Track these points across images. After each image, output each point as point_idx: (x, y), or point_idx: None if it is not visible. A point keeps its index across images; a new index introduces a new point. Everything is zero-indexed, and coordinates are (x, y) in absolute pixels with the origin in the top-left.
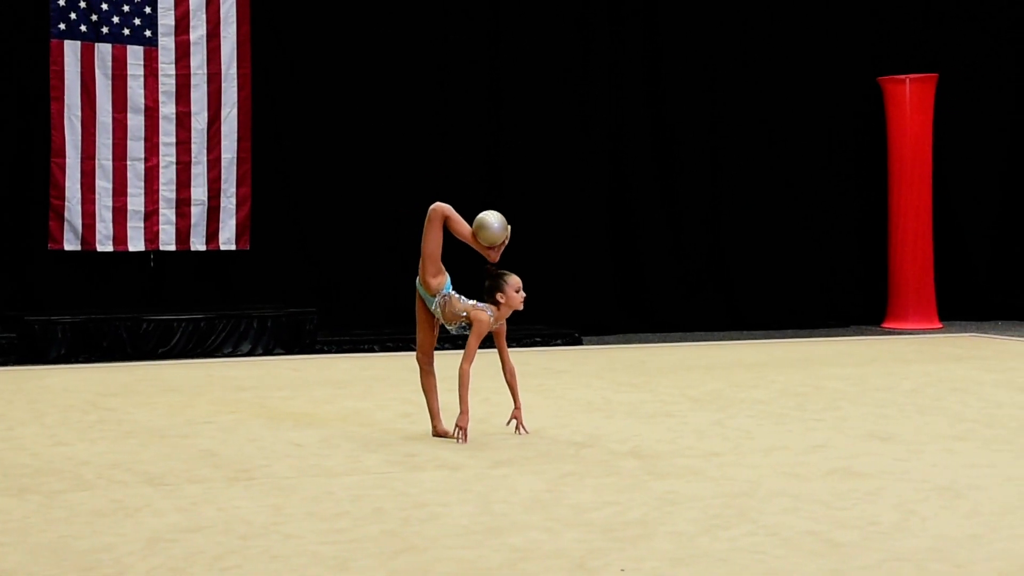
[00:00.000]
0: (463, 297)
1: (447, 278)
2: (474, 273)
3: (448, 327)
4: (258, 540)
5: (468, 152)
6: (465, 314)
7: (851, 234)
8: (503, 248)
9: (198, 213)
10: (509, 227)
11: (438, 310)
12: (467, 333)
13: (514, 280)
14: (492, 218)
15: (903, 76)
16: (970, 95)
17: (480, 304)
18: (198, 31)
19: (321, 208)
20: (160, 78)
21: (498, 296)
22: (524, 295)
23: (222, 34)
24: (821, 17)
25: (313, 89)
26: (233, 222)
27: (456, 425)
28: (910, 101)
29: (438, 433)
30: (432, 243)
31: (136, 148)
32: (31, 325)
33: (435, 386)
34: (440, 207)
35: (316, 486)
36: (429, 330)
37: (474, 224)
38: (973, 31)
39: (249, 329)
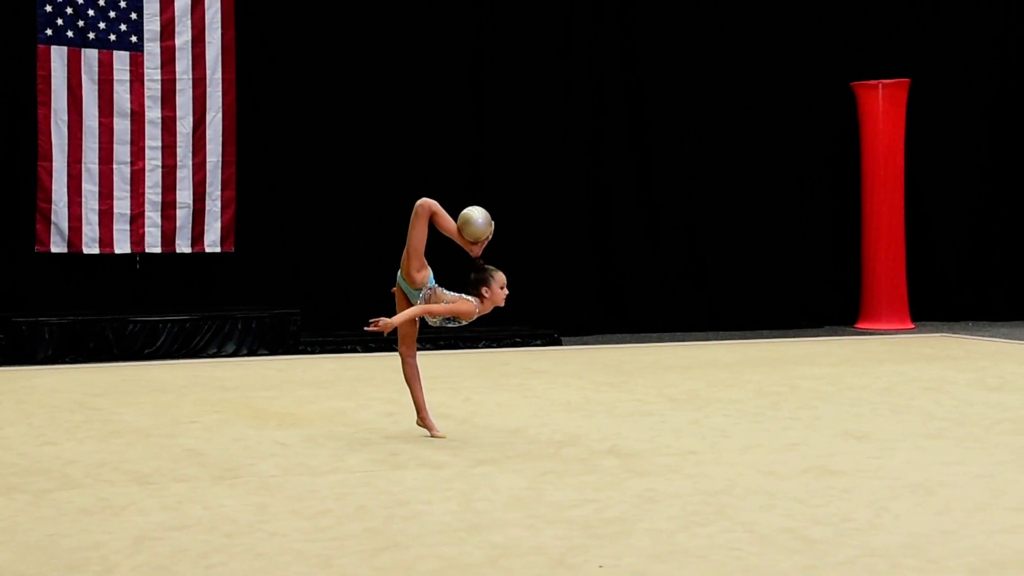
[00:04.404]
0: (446, 291)
1: (430, 272)
2: (456, 268)
3: (431, 320)
4: (243, 538)
5: (450, 155)
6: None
7: (825, 236)
8: (487, 243)
9: (183, 216)
10: (493, 223)
11: (422, 303)
12: (448, 326)
13: (500, 277)
14: (477, 214)
15: (876, 81)
16: (942, 100)
17: (465, 296)
18: (183, 37)
19: (305, 211)
20: (146, 83)
21: (483, 290)
22: (508, 292)
23: (207, 40)
24: (796, 24)
25: (297, 94)
26: (218, 225)
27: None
28: (883, 106)
29: (423, 424)
30: (417, 238)
31: (122, 152)
32: (18, 326)
33: (418, 376)
34: (427, 203)
35: (300, 485)
36: (410, 322)
37: (459, 219)
38: (945, 38)
39: (234, 330)
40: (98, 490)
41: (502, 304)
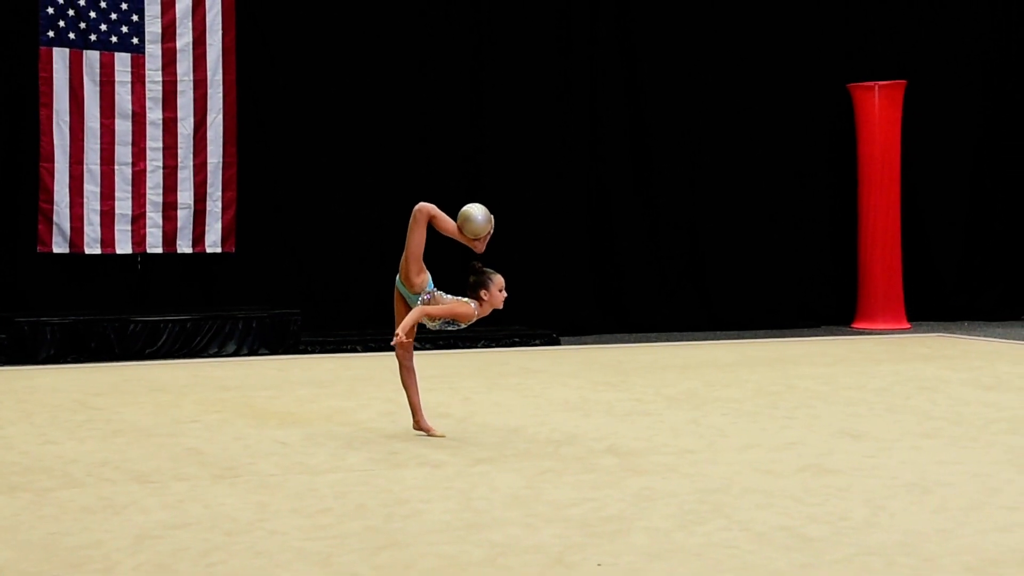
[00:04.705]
0: (445, 294)
1: (429, 277)
2: (455, 271)
3: (429, 324)
4: (243, 536)
5: (449, 157)
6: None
7: (822, 237)
8: (488, 239)
9: (184, 216)
10: (493, 218)
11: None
12: (447, 329)
13: (499, 280)
14: (476, 210)
15: (872, 83)
16: (937, 102)
17: (464, 299)
18: (184, 39)
19: (305, 212)
20: (147, 84)
21: (482, 293)
22: (506, 295)
23: (208, 41)
24: (794, 26)
25: (298, 95)
26: (219, 225)
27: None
28: (879, 108)
29: (419, 427)
30: (416, 242)
31: (123, 153)
32: (21, 326)
33: (415, 381)
34: (425, 207)
35: (300, 483)
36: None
37: (459, 217)
38: (940, 40)
39: (234, 330)
40: (99, 489)
41: (500, 307)
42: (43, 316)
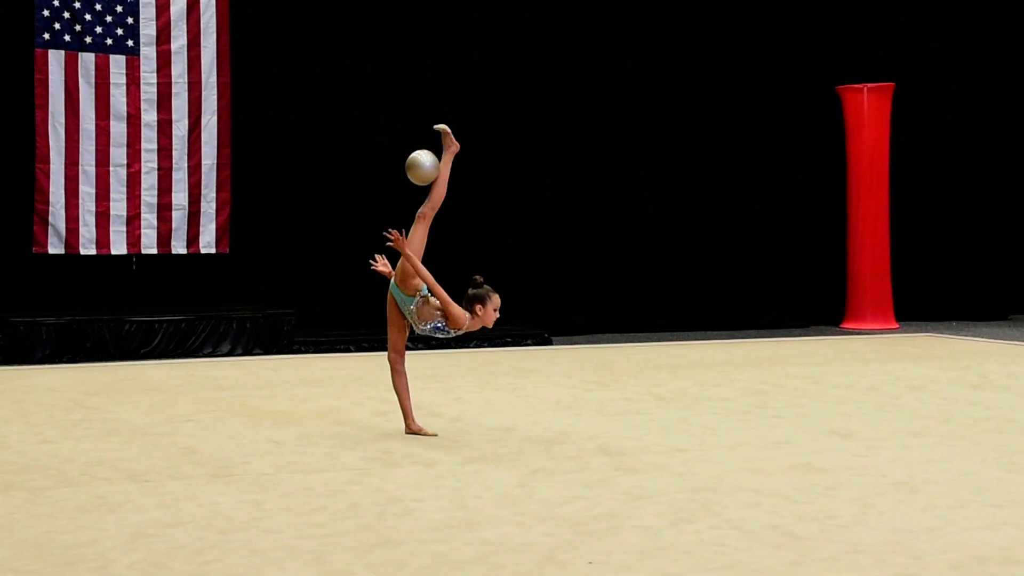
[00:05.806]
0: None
1: None
2: (453, 276)
3: (419, 328)
4: (237, 535)
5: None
6: (440, 312)
7: (812, 238)
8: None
9: (179, 217)
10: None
11: (414, 310)
12: (436, 336)
13: (496, 299)
14: (424, 158)
15: (861, 85)
16: (926, 104)
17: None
18: (179, 41)
19: (299, 213)
20: (142, 86)
21: (476, 307)
22: (498, 316)
23: (202, 44)
24: (783, 29)
25: (291, 97)
26: (213, 226)
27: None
28: (868, 109)
29: (412, 430)
30: (416, 242)
31: (119, 154)
32: (16, 326)
33: (407, 384)
34: (425, 210)
35: (294, 482)
36: (400, 330)
37: (407, 163)
38: (929, 42)
39: (229, 330)
40: (94, 488)
41: (490, 326)
42: (39, 316)
